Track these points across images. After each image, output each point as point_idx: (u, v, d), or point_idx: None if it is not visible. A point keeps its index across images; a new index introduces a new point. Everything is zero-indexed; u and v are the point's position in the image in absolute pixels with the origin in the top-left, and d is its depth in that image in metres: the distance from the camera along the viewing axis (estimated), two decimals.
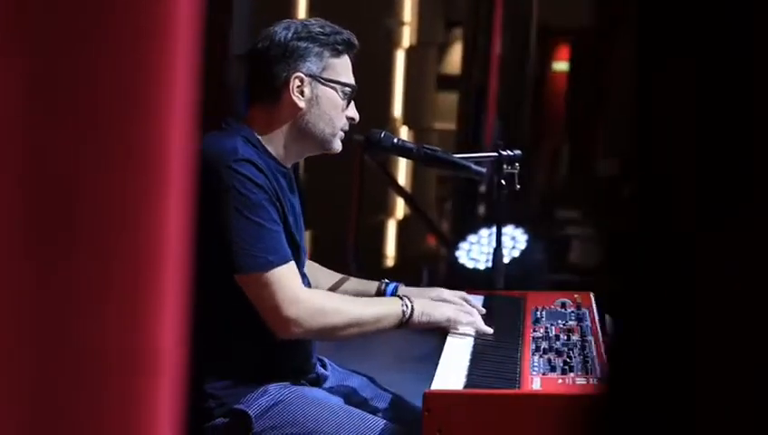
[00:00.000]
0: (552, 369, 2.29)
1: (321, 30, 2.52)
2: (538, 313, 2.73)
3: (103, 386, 0.89)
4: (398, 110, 9.66)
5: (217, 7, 5.14)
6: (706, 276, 0.84)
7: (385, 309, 2.53)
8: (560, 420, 2.12)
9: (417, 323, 2.54)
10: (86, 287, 0.88)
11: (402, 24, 9.82)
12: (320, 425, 2.43)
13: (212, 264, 2.31)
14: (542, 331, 2.59)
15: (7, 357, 0.89)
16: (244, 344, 2.47)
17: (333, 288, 2.78)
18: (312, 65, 2.50)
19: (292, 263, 2.44)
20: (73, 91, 0.86)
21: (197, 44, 0.90)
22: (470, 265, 5.99)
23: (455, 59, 10.88)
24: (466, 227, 6.62)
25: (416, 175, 9.95)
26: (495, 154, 2.90)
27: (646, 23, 0.85)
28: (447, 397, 2.18)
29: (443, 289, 2.75)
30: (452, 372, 2.33)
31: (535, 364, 2.33)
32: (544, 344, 2.46)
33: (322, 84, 2.51)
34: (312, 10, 7.42)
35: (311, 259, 2.77)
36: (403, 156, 2.90)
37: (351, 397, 2.64)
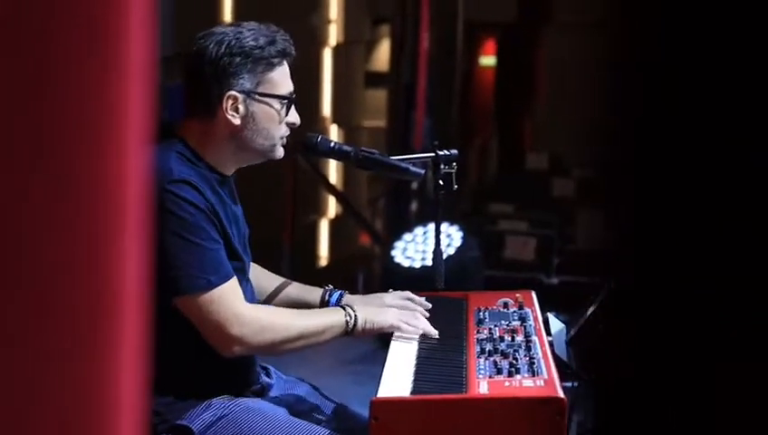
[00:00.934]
0: (499, 371, 2.28)
1: (255, 43, 2.44)
2: (481, 314, 2.72)
3: (59, 413, 0.85)
4: (326, 108, 9.63)
5: None
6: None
7: (329, 320, 2.51)
8: (508, 424, 2.11)
9: (362, 332, 2.53)
10: (42, 317, 0.84)
11: (328, 21, 9.78)
12: None
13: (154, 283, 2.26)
14: (485, 332, 2.57)
15: None
16: (187, 360, 2.43)
17: (276, 292, 2.75)
18: (245, 82, 2.44)
19: (234, 279, 2.41)
20: (23, 112, 0.82)
21: (151, 61, 0.86)
22: (405, 263, 5.98)
23: (382, 56, 10.87)
24: (400, 225, 6.61)
25: (348, 174, 9.92)
26: (432, 154, 2.88)
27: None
28: (394, 404, 2.15)
29: (386, 294, 2.73)
30: (398, 378, 2.31)
31: (481, 367, 2.32)
32: (489, 346, 2.45)
33: (257, 101, 2.46)
34: (238, 9, 7.35)
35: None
36: (340, 160, 2.86)
37: (297, 406, 2.61)
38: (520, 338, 2.51)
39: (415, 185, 7.02)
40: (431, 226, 5.83)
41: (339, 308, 2.56)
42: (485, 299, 2.86)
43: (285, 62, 2.50)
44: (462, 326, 2.66)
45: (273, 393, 2.63)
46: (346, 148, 2.80)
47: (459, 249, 5.94)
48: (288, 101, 2.50)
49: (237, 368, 2.51)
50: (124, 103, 0.83)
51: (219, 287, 2.36)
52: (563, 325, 2.71)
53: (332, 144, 2.78)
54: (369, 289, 6.87)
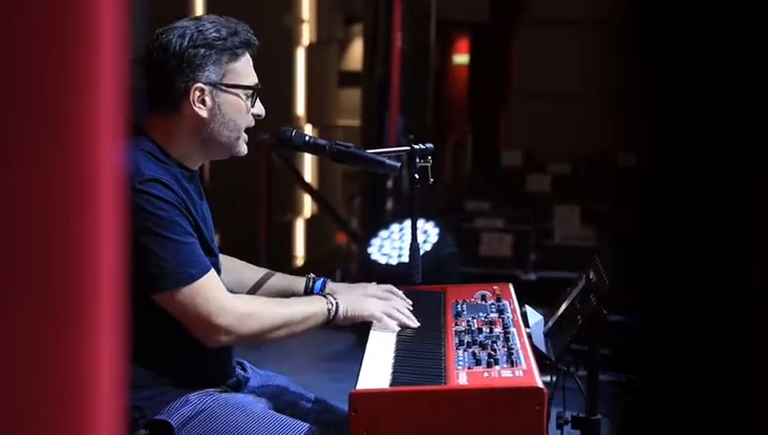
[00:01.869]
0: (477, 362, 2.27)
1: (218, 35, 2.43)
2: (459, 306, 2.72)
3: (40, 410, 0.84)
4: (300, 108, 9.61)
5: None
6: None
7: (311, 309, 2.51)
8: (488, 414, 2.10)
9: (343, 320, 2.54)
10: (20, 312, 0.83)
11: (301, 21, 9.76)
12: (243, 432, 2.39)
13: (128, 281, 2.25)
14: (464, 324, 2.57)
15: None
16: (164, 355, 2.42)
17: (259, 284, 2.76)
18: (211, 74, 2.43)
19: (213, 271, 2.42)
20: None
21: (123, 58, 0.85)
22: (382, 260, 5.97)
23: (356, 55, 10.88)
24: (376, 222, 6.61)
25: (323, 173, 9.91)
26: (408, 148, 2.87)
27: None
28: (374, 396, 2.14)
29: (370, 284, 2.73)
30: (377, 370, 2.30)
31: (460, 359, 2.31)
32: (467, 338, 2.44)
33: (223, 92, 2.45)
34: (210, 11, 7.33)
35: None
36: (315, 153, 2.85)
37: (276, 399, 2.60)
38: (498, 330, 2.51)
39: (390, 183, 7.02)
40: (407, 223, 5.82)
41: (321, 296, 2.57)
42: (463, 292, 2.85)
43: (248, 54, 2.50)
44: (440, 319, 2.65)
45: (251, 385, 2.63)
46: (321, 141, 2.79)
47: (435, 245, 5.94)
48: (254, 91, 2.49)
49: (214, 362, 2.50)
50: (96, 102, 0.82)
51: (200, 280, 2.36)
52: (541, 317, 2.71)
53: (307, 138, 2.77)
54: None
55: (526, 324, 2.61)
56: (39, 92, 0.85)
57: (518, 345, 2.38)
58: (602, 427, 2.41)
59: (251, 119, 2.51)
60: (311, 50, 9.79)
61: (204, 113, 2.44)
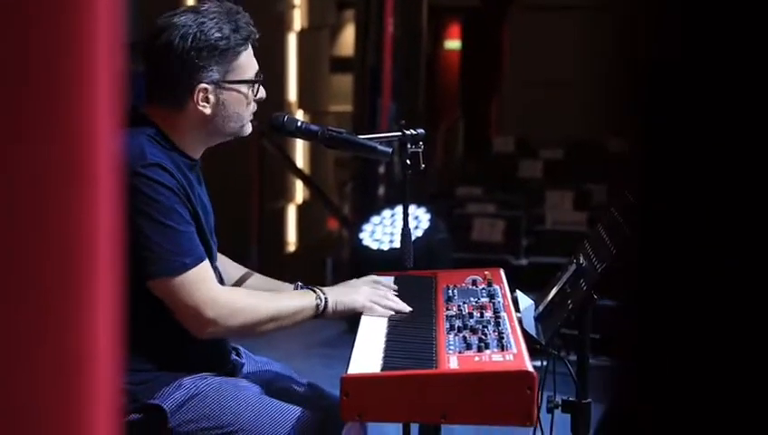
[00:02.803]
0: (468, 347, 2.28)
1: (220, 34, 2.43)
2: (450, 291, 2.73)
3: (37, 390, 0.84)
4: (292, 94, 9.60)
5: None
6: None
7: (300, 303, 2.53)
8: (478, 398, 2.12)
9: (333, 313, 2.55)
10: (17, 295, 0.83)
11: (293, 6, 9.75)
12: (236, 417, 2.41)
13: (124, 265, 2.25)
14: (455, 309, 2.58)
15: None
16: (158, 340, 2.43)
17: (242, 283, 2.75)
18: (214, 74, 2.45)
19: (207, 262, 2.42)
20: None
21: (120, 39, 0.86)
22: (374, 246, 5.98)
23: (347, 41, 10.86)
24: (368, 208, 6.61)
25: (314, 159, 9.91)
26: (399, 133, 2.87)
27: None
28: (365, 380, 2.15)
29: (355, 280, 2.73)
30: (368, 354, 2.31)
31: (451, 343, 2.32)
32: (458, 323, 2.45)
33: (227, 89, 2.47)
34: None
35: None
36: (307, 139, 2.85)
37: (270, 385, 2.61)
38: (489, 314, 2.52)
39: (382, 169, 7.03)
40: (399, 208, 5.84)
41: (310, 291, 2.57)
42: (454, 277, 2.86)
43: (249, 45, 2.50)
44: (431, 304, 2.66)
45: (245, 371, 2.64)
46: (313, 127, 2.79)
47: (427, 231, 5.95)
48: (256, 82, 2.50)
49: (209, 349, 2.51)
50: (94, 85, 0.83)
51: (193, 270, 2.37)
52: (532, 302, 2.73)
53: (299, 123, 2.77)
54: (338, 273, 6.89)
55: (517, 309, 2.62)
56: (37, 75, 0.85)
57: (509, 330, 2.39)
58: (592, 411, 2.43)
59: (254, 106, 2.53)
60: (302, 35, 9.78)
61: (208, 111, 2.46)
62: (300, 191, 9.55)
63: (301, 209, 9.56)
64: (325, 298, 2.53)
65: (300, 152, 9.44)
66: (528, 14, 12.29)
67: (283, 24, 9.49)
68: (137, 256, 2.31)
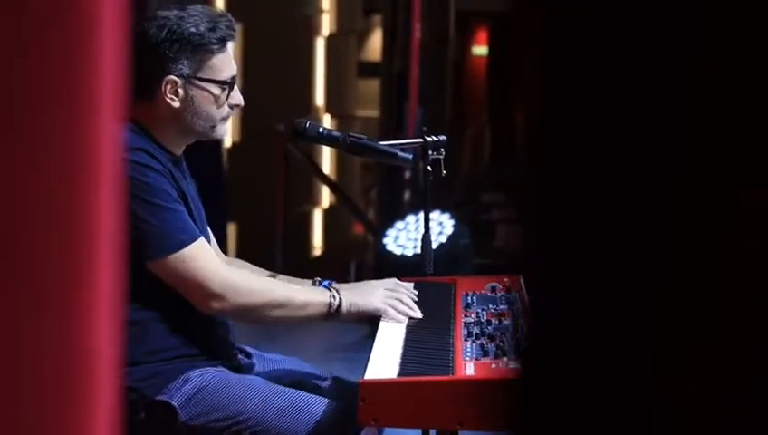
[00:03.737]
0: (485, 354, 2.29)
1: (195, 30, 2.47)
2: (468, 298, 2.73)
3: (38, 386, 0.86)
4: (319, 98, 9.63)
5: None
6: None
7: (311, 297, 2.54)
8: (494, 405, 2.12)
9: (347, 315, 2.55)
10: (18, 289, 0.85)
11: (321, 11, 9.78)
12: (246, 405, 2.41)
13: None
14: (473, 316, 2.59)
15: None
16: (160, 329, 2.45)
17: None
18: (184, 68, 2.49)
19: (203, 239, 2.46)
20: None
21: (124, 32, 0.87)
22: (398, 251, 5.99)
23: (375, 46, 10.87)
24: (393, 213, 6.62)
25: (340, 164, 9.94)
26: (421, 140, 2.89)
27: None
28: (382, 386, 2.17)
29: (375, 281, 2.74)
30: (385, 360, 2.32)
31: (468, 350, 2.33)
32: (476, 330, 2.46)
33: (196, 86, 2.50)
34: None
35: (237, 256, 2.76)
36: (329, 145, 2.88)
37: (288, 378, 2.62)
38: (507, 321, 2.53)
39: (408, 174, 7.04)
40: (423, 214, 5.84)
41: (325, 289, 2.58)
42: (474, 284, 2.87)
43: (227, 48, 2.54)
44: (450, 310, 2.67)
45: (257, 371, 2.64)
46: (335, 133, 2.82)
47: (451, 237, 5.96)
48: (228, 85, 2.53)
49: (213, 342, 2.52)
50: (98, 71, 0.84)
51: (191, 246, 2.41)
52: None
53: (321, 129, 2.80)
54: (362, 277, 6.91)
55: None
56: (40, 65, 0.86)
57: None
58: None
59: (227, 109, 2.56)
60: (330, 40, 9.80)
61: (176, 104, 2.50)
62: (326, 196, 9.58)
63: (326, 214, 9.59)
64: (340, 298, 2.53)
65: (326, 157, 9.47)
66: None
67: (311, 29, 9.52)
68: (134, 240, 2.33)
